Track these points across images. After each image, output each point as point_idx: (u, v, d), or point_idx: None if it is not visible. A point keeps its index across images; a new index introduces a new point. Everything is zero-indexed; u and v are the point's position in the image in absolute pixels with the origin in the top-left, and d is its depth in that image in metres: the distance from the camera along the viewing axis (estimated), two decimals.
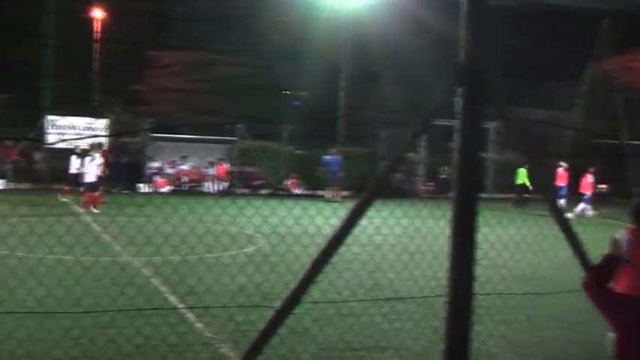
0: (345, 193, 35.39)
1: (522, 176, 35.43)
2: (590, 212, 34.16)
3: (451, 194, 5.07)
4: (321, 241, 5.24)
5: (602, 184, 34.99)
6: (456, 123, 5.07)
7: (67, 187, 30.12)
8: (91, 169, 26.78)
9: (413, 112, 7.05)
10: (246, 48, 42.83)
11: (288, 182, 38.46)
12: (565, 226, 5.72)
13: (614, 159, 44.57)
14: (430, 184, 42.23)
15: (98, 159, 27.09)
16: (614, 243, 6.05)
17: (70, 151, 31.48)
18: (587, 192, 35.17)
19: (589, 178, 35.71)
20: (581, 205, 34.45)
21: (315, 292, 6.57)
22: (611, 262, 5.93)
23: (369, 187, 5.17)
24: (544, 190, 5.67)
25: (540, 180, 5.66)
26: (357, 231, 5.25)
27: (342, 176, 36.28)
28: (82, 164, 28.20)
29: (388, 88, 43.09)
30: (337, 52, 42.17)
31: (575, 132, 47.18)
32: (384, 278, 13.82)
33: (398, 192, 34.80)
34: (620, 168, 44.66)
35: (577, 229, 5.79)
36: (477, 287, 5.17)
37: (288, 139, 40.86)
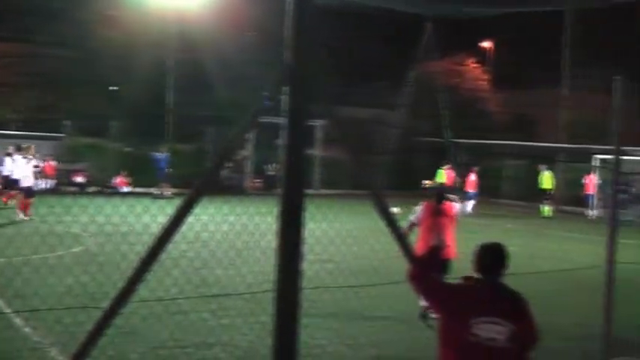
0: (173, 190, 35.07)
1: (441, 176, 36.36)
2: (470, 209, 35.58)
3: (278, 190, 5.10)
4: (149, 239, 5.15)
5: (427, 180, 36.16)
6: (283, 120, 5.09)
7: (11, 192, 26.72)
8: (27, 172, 24.64)
9: (241, 109, 7.05)
10: (72, 42, 41.64)
11: (117, 180, 37.67)
12: (389, 219, 5.84)
13: (440, 156, 46.02)
14: (258, 180, 42.35)
15: (33, 161, 25.15)
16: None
17: None
18: (472, 190, 36.53)
19: (472, 177, 37.01)
20: (468, 203, 35.74)
21: (143, 291, 6.46)
22: (435, 254, 6.12)
23: (196, 184, 5.12)
24: (368, 186, 5.76)
25: (364, 176, 5.75)
26: (184, 228, 5.20)
27: (171, 173, 36.05)
28: (16, 166, 25.39)
29: (216, 85, 42.89)
30: (165, 48, 41.64)
31: (399, 130, 48.40)
32: (212, 275, 13.75)
33: (225, 189, 34.75)
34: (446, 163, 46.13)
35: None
36: (304, 282, 5.21)
37: (117, 136, 40.03)
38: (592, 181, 36.41)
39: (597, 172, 36.64)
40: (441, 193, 12.98)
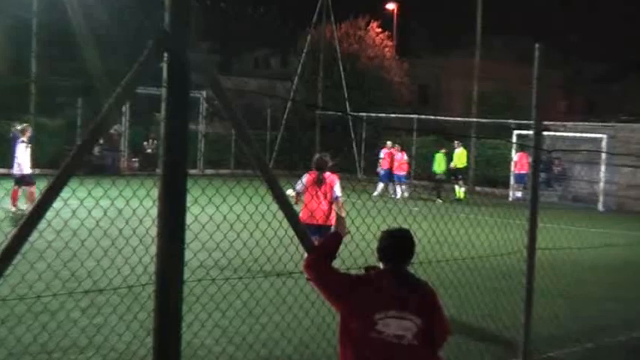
0: (37, 170, 34.39)
1: (441, 162, 36.19)
2: (405, 193, 35.60)
3: (158, 171, 5.04)
4: (10, 228, 5.04)
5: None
6: (162, 91, 5.03)
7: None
8: (27, 158, 23.99)
9: (115, 78, 6.92)
10: None
11: None
12: (283, 202, 5.85)
13: (339, 131, 46.16)
14: (134, 159, 41.90)
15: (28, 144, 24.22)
16: (337, 222, 6.26)
17: None
18: (402, 172, 36.35)
19: (405, 157, 36.89)
20: (399, 188, 35.72)
21: (2, 288, 6.33)
22: (335, 241, 6.10)
23: (64, 164, 5.02)
24: (258, 166, 5.75)
25: (253, 154, 5.73)
26: (50, 215, 5.10)
27: (33, 151, 35.29)
28: (17, 151, 24.26)
29: (87, 52, 42.11)
30: (27, 9, 40.69)
31: (294, 103, 48.36)
32: (83, 268, 13.53)
33: (98, 169, 34.27)
34: (346, 140, 46.30)
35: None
36: (187, 273, 5.17)
37: None
38: (525, 159, 37.08)
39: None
40: (321, 162, 15.40)
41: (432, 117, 45.62)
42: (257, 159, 5.78)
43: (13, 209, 22.00)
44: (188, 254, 5.19)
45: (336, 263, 6.02)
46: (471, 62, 45.59)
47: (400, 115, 46.22)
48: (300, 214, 14.20)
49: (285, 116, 46.40)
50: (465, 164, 38.17)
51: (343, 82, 47.08)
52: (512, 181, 38.64)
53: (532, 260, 9.12)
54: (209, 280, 11.18)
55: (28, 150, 24.19)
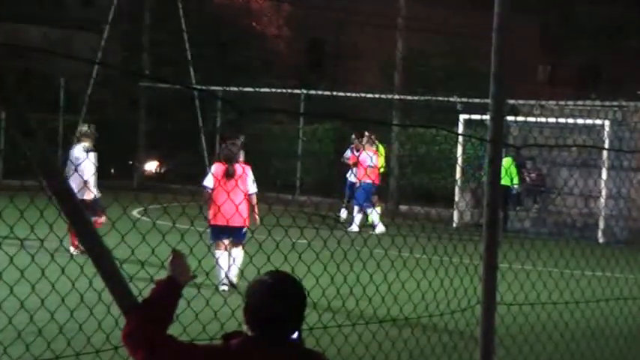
0: None
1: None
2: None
3: None
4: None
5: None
6: None
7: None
8: (89, 174, 24.35)
9: None
10: None
11: None
12: (86, 234, 5.71)
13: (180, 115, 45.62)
14: None
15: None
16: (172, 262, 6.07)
17: None
18: (367, 180, 34.88)
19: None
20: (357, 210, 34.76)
21: None
22: (171, 292, 5.90)
23: None
24: (46, 173, 5.60)
25: (38, 155, 5.59)
26: None
27: None
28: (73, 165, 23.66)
29: None
30: None
31: (103, 67, 47.84)
32: None
33: None
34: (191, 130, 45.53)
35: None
36: None
37: None
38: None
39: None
40: (229, 152, 19.84)
41: (330, 93, 45.37)
42: (42, 161, 5.64)
43: (76, 251, 21.73)
44: None
45: (174, 331, 5.89)
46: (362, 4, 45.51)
47: (277, 90, 45.91)
48: (210, 217, 19.22)
49: (89, 90, 45.56)
50: (383, 169, 37.36)
51: (185, 36, 46.34)
52: (456, 195, 38.09)
53: (490, 323, 9.06)
54: None
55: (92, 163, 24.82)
